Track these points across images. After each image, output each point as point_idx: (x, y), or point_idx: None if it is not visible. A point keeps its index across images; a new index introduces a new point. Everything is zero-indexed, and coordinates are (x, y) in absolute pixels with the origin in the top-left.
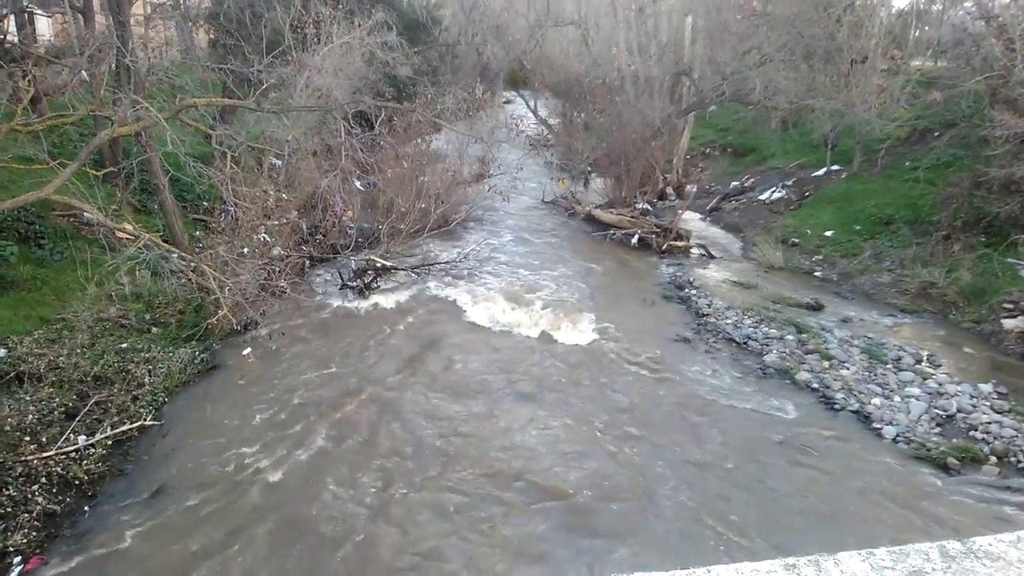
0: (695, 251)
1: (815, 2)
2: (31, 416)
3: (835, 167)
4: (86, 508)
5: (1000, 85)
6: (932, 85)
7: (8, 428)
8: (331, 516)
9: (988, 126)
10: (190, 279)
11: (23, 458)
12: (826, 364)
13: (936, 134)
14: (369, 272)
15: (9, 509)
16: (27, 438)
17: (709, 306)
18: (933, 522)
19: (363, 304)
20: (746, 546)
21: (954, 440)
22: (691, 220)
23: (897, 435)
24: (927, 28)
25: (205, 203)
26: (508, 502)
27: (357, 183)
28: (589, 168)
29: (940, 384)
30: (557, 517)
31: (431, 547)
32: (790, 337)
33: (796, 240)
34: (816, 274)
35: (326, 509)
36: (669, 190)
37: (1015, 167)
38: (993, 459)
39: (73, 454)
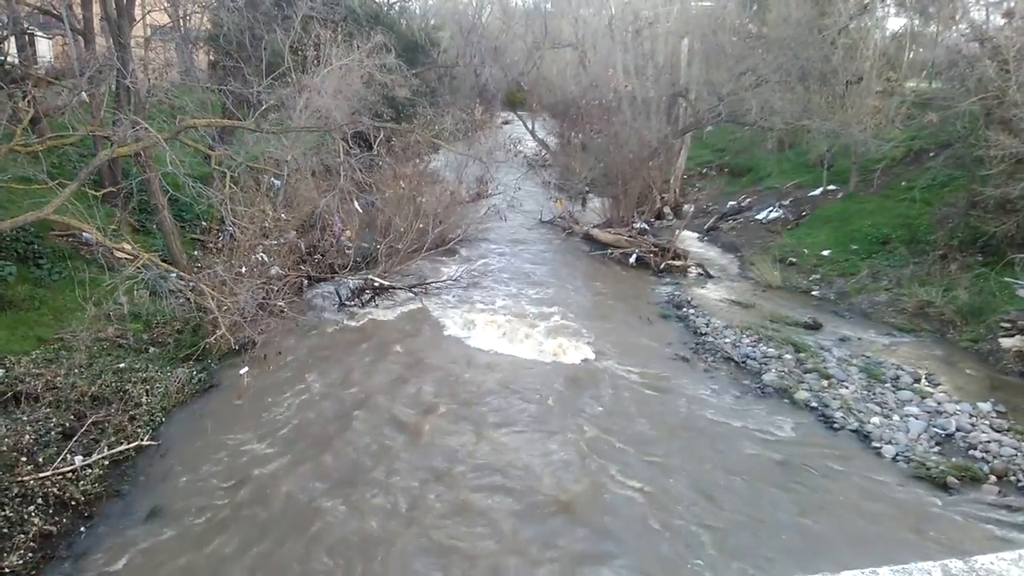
0: (693, 270)
1: (810, 24)
2: (28, 436)
3: (831, 187)
4: (82, 529)
5: (995, 106)
6: (927, 106)
7: (5, 448)
8: (331, 538)
9: (983, 146)
10: (188, 299)
11: (19, 478)
12: (825, 383)
13: (931, 154)
14: (367, 291)
15: (5, 530)
16: (24, 458)
17: (707, 325)
18: (934, 541)
19: (361, 323)
20: (746, 567)
21: (954, 459)
22: (688, 240)
23: (897, 454)
24: (921, 50)
25: (204, 223)
26: (506, 518)
27: (355, 203)
28: (587, 188)
29: (939, 403)
30: (551, 530)
31: (439, 562)
32: (788, 356)
33: (793, 259)
34: (813, 293)
35: (326, 531)
36: (666, 210)
37: (1010, 187)
38: (993, 478)
39: (70, 474)
